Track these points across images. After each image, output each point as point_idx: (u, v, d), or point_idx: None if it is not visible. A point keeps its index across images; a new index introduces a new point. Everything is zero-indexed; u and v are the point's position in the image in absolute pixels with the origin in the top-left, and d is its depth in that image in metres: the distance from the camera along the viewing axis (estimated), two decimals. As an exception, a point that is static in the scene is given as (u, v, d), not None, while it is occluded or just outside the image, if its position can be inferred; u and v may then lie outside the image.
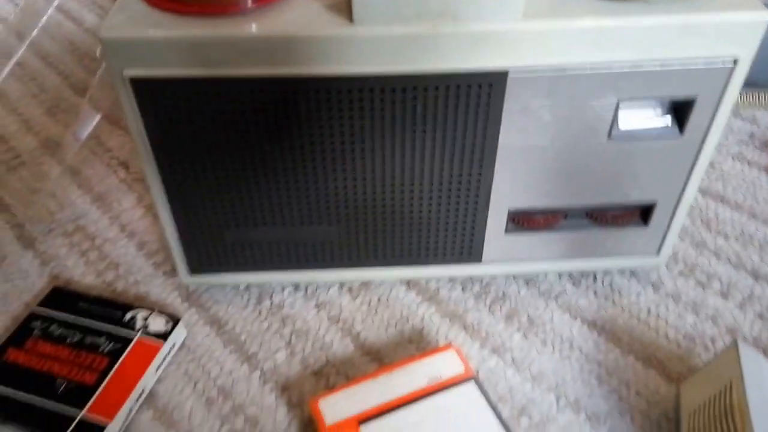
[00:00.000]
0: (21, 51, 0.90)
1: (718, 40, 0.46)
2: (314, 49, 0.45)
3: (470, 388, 0.51)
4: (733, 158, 0.74)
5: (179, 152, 0.50)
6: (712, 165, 0.73)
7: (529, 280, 0.62)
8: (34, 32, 0.90)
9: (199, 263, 0.57)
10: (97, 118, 0.77)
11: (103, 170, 0.74)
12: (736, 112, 0.79)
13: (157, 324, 0.57)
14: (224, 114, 0.48)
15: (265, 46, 0.45)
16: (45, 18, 0.88)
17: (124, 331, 0.56)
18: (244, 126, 0.48)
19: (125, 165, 0.75)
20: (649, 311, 0.59)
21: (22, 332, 0.56)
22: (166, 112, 0.48)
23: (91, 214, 0.69)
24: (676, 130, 0.51)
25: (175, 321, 0.57)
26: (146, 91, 0.46)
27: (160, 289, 0.62)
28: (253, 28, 0.44)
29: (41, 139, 0.78)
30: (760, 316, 0.59)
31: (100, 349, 0.55)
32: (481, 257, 0.58)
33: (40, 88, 0.85)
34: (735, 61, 0.47)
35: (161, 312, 0.58)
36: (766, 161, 0.74)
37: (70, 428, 0.50)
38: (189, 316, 0.60)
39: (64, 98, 0.83)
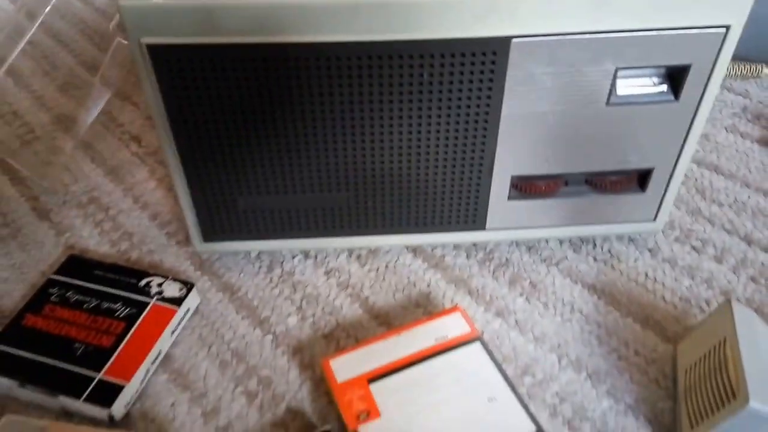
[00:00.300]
0: (33, 30, 0.88)
1: (710, 9, 0.45)
2: (324, 16, 0.44)
3: (476, 347, 0.50)
4: (726, 130, 0.73)
5: (194, 119, 0.49)
6: (706, 137, 0.73)
7: (531, 247, 0.62)
8: (45, 11, 0.89)
9: (212, 231, 0.57)
10: (109, 94, 0.76)
11: (115, 144, 0.73)
12: (728, 84, 0.78)
13: (172, 290, 0.56)
14: (237, 81, 0.47)
15: (276, 13, 0.44)
16: (55, -2, 0.86)
17: (139, 297, 0.56)
18: (256, 93, 0.48)
19: (137, 139, 0.74)
20: (646, 275, 0.59)
21: (39, 298, 0.56)
22: (182, 79, 0.47)
23: (104, 187, 0.68)
24: (672, 96, 0.50)
25: (189, 287, 0.56)
26: (162, 57, 0.46)
27: (173, 258, 0.61)
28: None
29: (54, 114, 0.76)
30: (753, 279, 0.58)
31: (117, 314, 0.54)
32: (485, 224, 0.58)
33: (51, 65, 0.84)
34: (727, 29, 0.46)
35: (175, 279, 0.57)
36: (758, 133, 0.73)
37: (89, 388, 0.49)
38: (202, 283, 0.59)
39: (76, 75, 0.82)
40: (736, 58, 0.77)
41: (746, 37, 0.74)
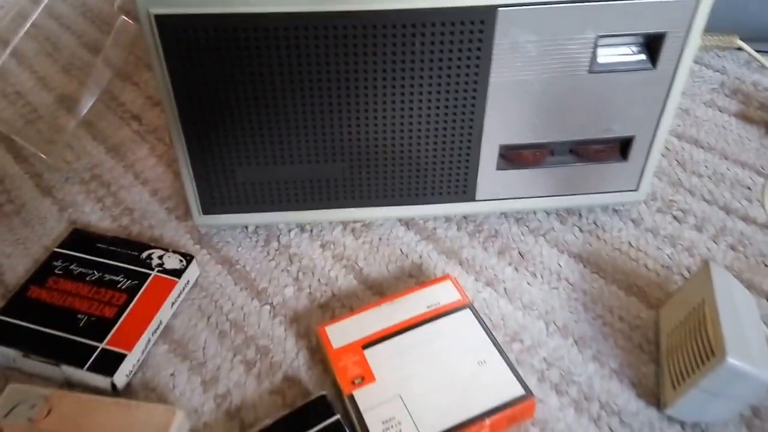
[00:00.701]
0: (36, 13, 0.86)
1: None
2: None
3: (466, 313, 0.49)
4: (705, 105, 0.72)
5: (197, 90, 0.47)
6: (686, 111, 0.71)
7: (519, 219, 0.60)
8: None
9: (211, 203, 0.55)
10: (111, 74, 0.74)
11: (116, 123, 0.71)
12: (706, 61, 0.76)
13: (172, 262, 0.54)
14: (239, 51, 0.45)
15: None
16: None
17: (141, 269, 0.54)
18: (256, 63, 0.46)
19: (138, 118, 0.72)
20: (630, 244, 0.57)
21: (43, 271, 0.54)
22: (188, 49, 0.45)
23: (106, 164, 0.66)
24: (650, 63, 0.49)
25: (188, 259, 0.55)
26: (169, 27, 0.44)
27: (173, 232, 0.59)
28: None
29: (57, 94, 0.74)
30: (732, 247, 0.57)
31: (119, 286, 0.53)
32: (475, 194, 0.56)
33: (54, 47, 0.81)
34: None
35: (176, 251, 0.55)
36: (735, 107, 0.71)
37: (92, 357, 0.48)
38: (201, 256, 0.57)
39: (78, 56, 0.79)
40: (710, 31, 0.75)
41: (721, 12, 0.73)
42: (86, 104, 0.72)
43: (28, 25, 0.81)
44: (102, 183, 0.64)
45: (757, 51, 0.77)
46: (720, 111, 0.71)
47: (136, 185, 0.64)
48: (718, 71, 0.76)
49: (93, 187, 0.64)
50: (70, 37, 0.83)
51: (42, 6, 0.85)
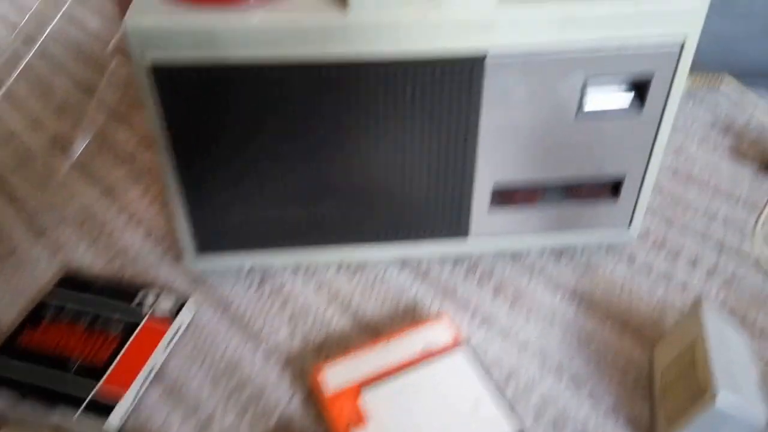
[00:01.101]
0: (30, 55, 0.88)
1: (667, 23, 0.47)
2: (313, 35, 0.45)
3: (462, 354, 0.50)
4: (698, 142, 0.74)
5: (193, 135, 0.49)
6: (679, 149, 0.73)
7: (514, 257, 0.62)
8: (42, 37, 0.89)
9: (205, 244, 0.56)
10: (104, 115, 0.76)
11: (110, 163, 0.73)
12: (699, 98, 0.79)
13: (166, 304, 0.56)
14: (233, 97, 0.47)
15: (270, 33, 0.45)
16: (52, 24, 0.87)
17: (134, 312, 0.55)
18: (250, 108, 0.48)
19: (131, 158, 0.74)
20: (624, 282, 0.59)
21: (35, 315, 0.55)
22: (183, 97, 0.47)
23: (99, 205, 0.68)
24: (637, 108, 0.52)
25: (182, 302, 0.56)
26: (164, 75, 0.46)
27: (167, 274, 0.61)
28: (259, 17, 0.44)
29: (50, 136, 0.76)
30: (725, 285, 0.59)
31: (111, 331, 0.54)
32: (468, 234, 0.58)
33: (47, 88, 0.84)
34: (683, 43, 0.48)
35: (169, 294, 0.57)
36: (728, 143, 0.74)
37: (84, 404, 0.49)
38: (195, 298, 0.59)
39: (72, 97, 0.82)
40: (701, 70, 0.78)
41: (708, 51, 0.75)
42: (80, 145, 0.74)
43: (21, 67, 0.84)
44: (95, 224, 0.66)
45: (747, 85, 0.80)
46: (713, 148, 0.74)
47: (130, 226, 0.66)
48: (711, 108, 0.79)
49: (86, 228, 0.66)
50: (63, 78, 0.85)
51: (36, 47, 0.87)
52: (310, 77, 0.46)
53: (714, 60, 0.77)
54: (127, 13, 0.45)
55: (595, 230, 0.59)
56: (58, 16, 0.72)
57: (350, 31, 0.44)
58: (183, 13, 0.45)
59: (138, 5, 0.46)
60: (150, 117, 0.48)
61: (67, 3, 0.70)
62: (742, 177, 0.70)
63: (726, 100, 0.80)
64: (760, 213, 0.62)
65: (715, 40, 0.76)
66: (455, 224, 0.57)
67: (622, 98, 0.51)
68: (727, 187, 0.69)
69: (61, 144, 0.75)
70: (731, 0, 0.77)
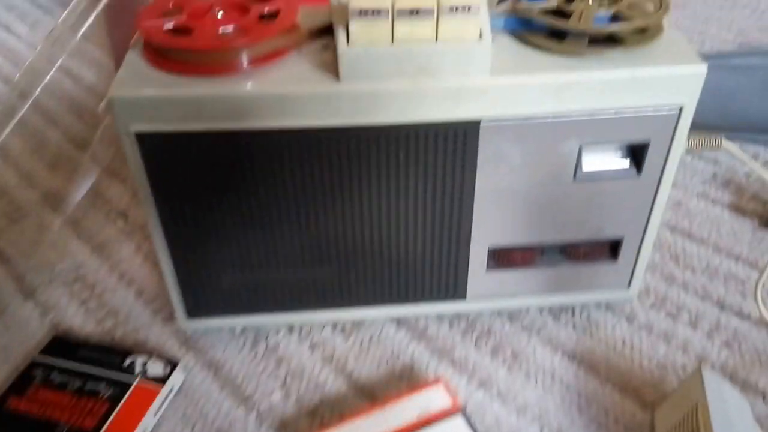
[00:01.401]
0: (24, 109, 0.90)
1: (664, 91, 0.48)
2: (304, 104, 0.46)
3: (459, 421, 0.51)
4: (697, 197, 0.75)
5: (180, 202, 0.50)
6: (678, 204, 0.75)
7: (512, 316, 0.62)
8: (37, 91, 0.91)
9: (196, 307, 0.57)
10: (97, 171, 0.77)
11: (102, 220, 0.74)
12: (693, 153, 0.80)
13: (156, 368, 0.56)
14: (223, 165, 0.48)
15: (260, 102, 0.46)
16: (47, 77, 0.88)
17: (123, 376, 0.56)
18: (241, 175, 0.49)
19: (124, 215, 0.75)
20: (624, 342, 0.60)
21: (23, 380, 0.55)
22: (169, 164, 0.48)
23: (90, 264, 0.69)
24: (634, 171, 0.52)
25: (173, 365, 0.56)
26: (150, 144, 0.47)
27: (158, 335, 0.61)
28: (249, 86, 0.45)
29: (42, 192, 0.77)
30: (726, 344, 0.59)
31: (101, 395, 0.54)
32: (466, 294, 0.59)
33: (41, 143, 0.85)
34: (680, 108, 0.49)
35: (159, 357, 0.57)
36: (727, 199, 0.75)
37: (73, 473, 0.49)
38: (186, 360, 0.59)
39: (65, 153, 0.83)
40: (700, 127, 0.80)
41: (706, 104, 0.77)
42: (72, 202, 0.75)
43: (14, 122, 0.85)
44: (86, 285, 0.67)
45: (746, 140, 0.82)
46: (712, 203, 0.75)
47: (121, 286, 0.66)
48: (709, 162, 0.80)
49: (77, 289, 0.66)
50: (57, 132, 0.87)
51: (30, 101, 0.89)
52: (300, 143, 0.47)
53: (712, 114, 0.78)
54: (113, 83, 0.46)
55: (594, 290, 0.60)
56: (53, 69, 0.73)
57: (342, 100, 0.45)
58: (171, 82, 0.45)
59: (124, 73, 0.46)
60: (138, 185, 0.49)
61: (63, 56, 0.71)
62: (743, 233, 0.71)
63: (725, 154, 0.81)
64: (762, 272, 0.63)
65: (713, 93, 0.77)
66: (452, 286, 0.58)
67: (620, 161, 0.52)
68: (728, 243, 0.69)
69: (53, 200, 0.76)
70: (728, 53, 0.79)
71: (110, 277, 0.67)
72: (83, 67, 1.00)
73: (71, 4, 0.69)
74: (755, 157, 0.80)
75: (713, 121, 0.79)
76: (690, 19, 1.10)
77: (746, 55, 0.78)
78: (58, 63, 0.82)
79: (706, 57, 0.79)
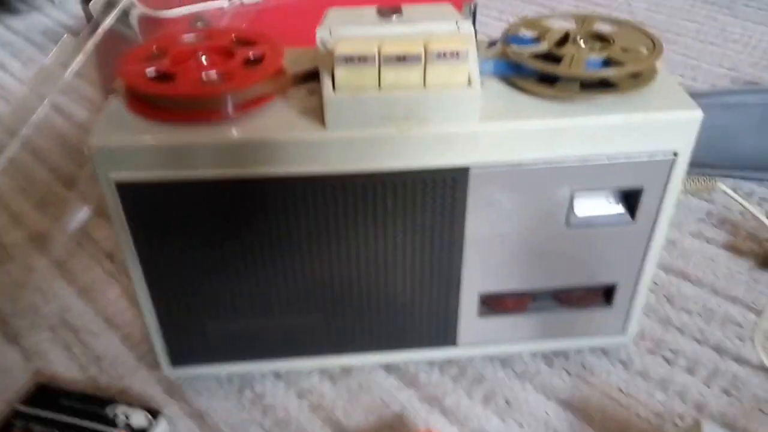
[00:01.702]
0: (13, 147, 0.89)
1: (658, 137, 0.47)
2: (291, 151, 0.45)
3: (449, 476, 0.49)
4: (692, 236, 0.74)
5: (162, 250, 0.49)
6: (673, 243, 0.73)
7: (504, 361, 0.61)
8: (25, 128, 0.90)
9: (180, 355, 0.56)
10: (85, 210, 0.76)
11: (89, 262, 0.73)
12: (688, 194, 0.79)
13: (139, 418, 0.54)
14: (206, 213, 0.47)
15: (245, 150, 0.45)
16: (36, 114, 0.88)
17: (106, 428, 0.54)
18: (225, 223, 0.48)
19: (111, 256, 0.73)
20: (620, 389, 0.58)
21: (4, 429, 0.54)
22: (151, 212, 0.47)
23: (76, 307, 0.67)
24: (628, 216, 0.51)
25: (155, 415, 0.55)
26: (131, 193, 0.46)
27: (142, 382, 0.60)
28: (233, 133, 0.44)
29: (29, 232, 0.76)
30: (725, 391, 0.58)
31: (82, 446, 0.53)
32: (457, 340, 0.57)
33: (29, 182, 0.84)
34: (675, 154, 0.48)
35: (143, 406, 0.56)
36: (723, 238, 0.74)
37: None
38: (171, 408, 0.58)
39: (53, 192, 0.82)
40: (694, 165, 0.79)
41: (703, 145, 0.76)
42: (59, 243, 0.74)
43: (2, 159, 0.84)
44: (71, 329, 0.65)
45: (742, 179, 0.81)
46: (707, 242, 0.74)
47: (106, 331, 0.65)
48: (704, 200, 0.79)
49: (61, 333, 0.65)
50: (45, 171, 0.86)
51: (19, 138, 0.88)
52: (286, 190, 0.46)
53: (706, 152, 0.78)
54: (92, 128, 0.45)
55: (588, 336, 0.58)
56: (43, 106, 0.73)
57: (329, 148, 0.45)
58: (152, 129, 0.44)
59: (104, 120, 0.45)
60: (118, 234, 0.48)
61: (53, 92, 0.70)
62: (739, 273, 0.69)
63: (719, 192, 0.80)
64: (761, 316, 0.61)
65: (707, 131, 0.77)
66: (442, 333, 0.56)
67: (613, 206, 0.51)
68: (724, 284, 0.68)
69: (39, 242, 0.75)
70: (723, 90, 0.79)
71: (95, 321, 0.66)
72: (74, 104, 0.99)
73: (61, 41, 0.69)
74: (750, 194, 0.80)
75: (707, 159, 0.78)
76: (681, 54, 1.10)
77: (741, 93, 0.78)
78: (47, 100, 0.81)
79: (700, 94, 0.79)
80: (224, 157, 0.45)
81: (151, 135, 0.44)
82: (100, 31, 0.76)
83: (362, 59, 0.43)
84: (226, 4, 0.77)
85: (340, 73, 0.43)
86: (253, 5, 0.81)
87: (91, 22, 0.77)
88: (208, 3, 0.77)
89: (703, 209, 0.78)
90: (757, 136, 0.76)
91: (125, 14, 0.78)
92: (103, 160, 0.44)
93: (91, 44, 0.73)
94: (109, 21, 0.76)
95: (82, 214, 0.76)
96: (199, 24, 0.78)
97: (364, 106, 0.44)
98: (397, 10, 0.48)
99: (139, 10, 0.77)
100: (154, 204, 0.46)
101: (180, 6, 0.77)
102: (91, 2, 0.79)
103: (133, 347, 0.63)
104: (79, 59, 0.72)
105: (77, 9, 1.32)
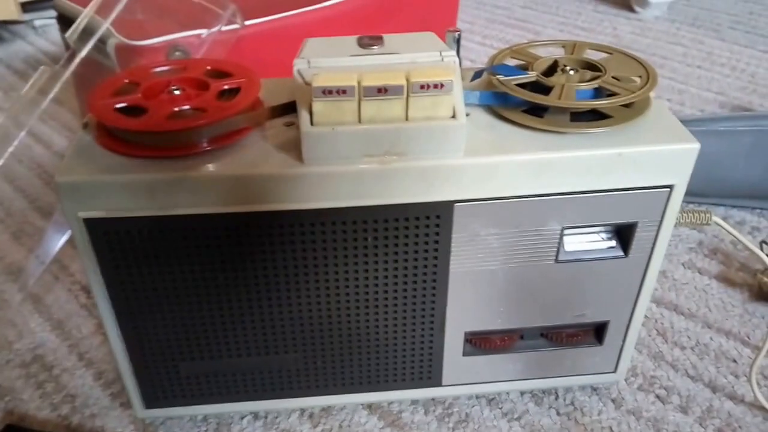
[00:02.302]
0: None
1: (653, 170, 0.45)
2: (266, 187, 0.43)
3: None
4: (683, 266, 0.73)
5: (134, 288, 0.47)
6: (664, 274, 0.72)
7: (491, 400, 0.59)
8: (4, 158, 0.88)
9: (154, 397, 0.53)
10: (62, 241, 0.74)
11: (64, 295, 0.70)
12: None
13: (110, 463, 0.52)
14: (179, 249, 0.45)
15: (219, 186, 0.43)
16: (15, 143, 0.86)
17: (74, 473, 0.51)
18: (198, 260, 0.46)
19: (86, 289, 0.71)
20: (611, 429, 0.56)
21: (-33, 477, 0.51)
22: (121, 250, 0.45)
23: (49, 343, 0.65)
24: (621, 251, 0.49)
25: (128, 459, 0.52)
26: (101, 230, 0.44)
27: (116, 422, 0.57)
28: (207, 169, 0.42)
29: (5, 264, 0.74)
30: (720, 431, 0.55)
31: (49, 493, 0.50)
32: (441, 380, 0.55)
33: (6, 212, 0.82)
34: (670, 188, 0.46)
35: (115, 449, 0.53)
36: (715, 269, 0.72)
37: None
38: (145, 450, 0.55)
39: (30, 222, 0.80)
40: (689, 194, 0.77)
41: (693, 173, 0.75)
42: (34, 275, 0.72)
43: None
44: (44, 366, 0.63)
45: (733, 207, 0.79)
46: (699, 273, 0.72)
47: (80, 367, 0.62)
48: (695, 229, 0.77)
49: (34, 370, 0.62)
50: (23, 200, 0.84)
51: (-2, 167, 0.86)
52: (262, 227, 0.44)
53: (696, 180, 0.76)
54: (60, 164, 0.43)
55: (578, 374, 0.56)
56: (22, 134, 0.71)
57: (306, 183, 0.43)
58: (123, 165, 0.42)
59: (73, 156, 0.43)
60: (86, 268, 0.46)
61: (31, 121, 0.68)
62: (733, 306, 0.68)
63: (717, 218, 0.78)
64: (756, 353, 0.59)
65: (698, 159, 0.75)
66: (426, 372, 0.54)
67: (605, 241, 0.49)
68: (717, 317, 0.66)
69: (14, 275, 0.73)
70: (713, 117, 0.77)
71: (69, 357, 0.63)
72: (54, 133, 0.97)
73: (39, 69, 0.67)
74: (741, 223, 0.78)
75: (697, 187, 0.77)
76: (668, 78, 1.09)
77: (731, 120, 0.76)
78: (26, 128, 0.79)
79: (688, 121, 0.77)
80: (197, 194, 0.42)
81: (120, 171, 0.42)
82: (77, 60, 0.74)
83: (341, 91, 0.41)
84: (204, 32, 0.76)
85: (318, 106, 0.41)
86: (233, 33, 0.80)
87: (69, 51, 0.75)
88: (186, 32, 0.75)
89: (695, 239, 0.76)
90: (748, 163, 0.75)
91: (103, 43, 0.76)
92: (70, 196, 0.42)
93: (67, 74, 0.71)
94: (85, 50, 0.74)
95: (58, 245, 0.74)
96: (177, 53, 0.76)
97: (344, 141, 0.42)
98: (378, 40, 0.46)
99: (115, 39, 0.75)
100: (124, 242, 0.44)
101: (157, 35, 0.75)
102: (68, 32, 0.77)
103: (108, 385, 0.60)
104: (56, 88, 0.70)
105: (59, 36, 1.30)
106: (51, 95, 0.68)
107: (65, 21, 0.83)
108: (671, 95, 1.04)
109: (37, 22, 1.36)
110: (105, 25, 0.75)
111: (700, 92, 1.05)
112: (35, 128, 0.97)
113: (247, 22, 0.79)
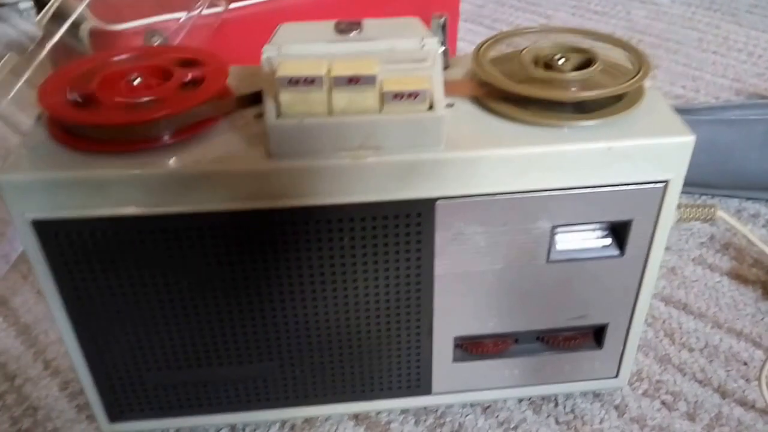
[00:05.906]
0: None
1: (646, 165, 0.44)
2: (230, 184, 0.41)
3: None
4: (693, 262, 0.71)
5: (90, 295, 0.45)
6: (673, 270, 0.70)
7: (486, 408, 0.57)
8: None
9: (119, 410, 0.52)
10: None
11: (31, 298, 0.69)
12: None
13: (74, 481, 0.51)
14: (137, 252, 0.44)
15: (179, 183, 0.41)
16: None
17: (35, 491, 0.50)
18: (159, 264, 0.44)
19: (56, 292, 0.69)
20: (613, 439, 0.54)
21: None
22: (74, 254, 0.43)
23: (13, 350, 0.64)
24: (616, 250, 0.48)
25: (93, 476, 0.51)
26: (51, 234, 0.42)
27: (82, 436, 0.56)
28: (166, 165, 0.41)
29: (-32, 265, 0.73)
30: (732, 440, 0.54)
31: None
32: (431, 388, 0.54)
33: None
34: (666, 183, 0.45)
35: (79, 466, 0.52)
36: (727, 265, 0.70)
37: None
38: (113, 466, 0.54)
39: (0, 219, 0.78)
40: (695, 185, 0.76)
41: (704, 164, 0.73)
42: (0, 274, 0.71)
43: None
44: (6, 374, 0.61)
45: (747, 199, 0.78)
46: (710, 269, 0.70)
47: (45, 377, 0.61)
48: (706, 223, 0.76)
49: (-5, 379, 0.61)
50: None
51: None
52: (227, 227, 0.43)
53: (707, 171, 0.74)
54: (4, 163, 0.41)
55: (577, 380, 0.55)
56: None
57: (273, 180, 0.41)
58: (75, 161, 0.41)
59: (21, 151, 0.42)
60: (36, 274, 0.44)
61: (4, 103, 0.67)
62: (745, 304, 0.66)
63: (724, 212, 0.77)
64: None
65: (709, 149, 0.74)
66: (414, 380, 0.53)
67: (599, 239, 0.48)
68: (728, 317, 0.65)
69: (-22, 275, 0.71)
70: (725, 105, 0.75)
71: (34, 366, 0.62)
72: (24, 115, 0.96)
73: (5, 58, 0.66)
74: (756, 216, 0.76)
75: (708, 179, 0.75)
76: (683, 65, 1.07)
77: (743, 108, 0.74)
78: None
79: (699, 110, 0.75)
80: (155, 191, 0.41)
81: (71, 168, 0.40)
82: (48, 47, 0.72)
83: (309, 81, 0.39)
84: (182, 16, 0.74)
85: (285, 96, 0.40)
86: (215, 16, 0.78)
87: (42, 36, 0.74)
88: (164, 15, 0.74)
89: (706, 233, 0.74)
90: (761, 153, 0.73)
91: (76, 27, 0.75)
92: (16, 196, 0.40)
93: (38, 60, 0.70)
94: (57, 36, 0.73)
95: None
96: (155, 39, 0.74)
97: (313, 134, 0.40)
98: (356, 26, 0.44)
99: (90, 23, 0.74)
100: (78, 245, 0.43)
101: (133, 19, 0.74)
102: (39, 15, 0.76)
103: (73, 396, 0.59)
104: (27, 74, 0.69)
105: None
106: (21, 81, 0.67)
107: (42, 4, 0.81)
108: (685, 82, 1.02)
109: (22, 5, 1.35)
110: (81, 8, 0.74)
111: (715, 79, 1.03)
112: (5, 110, 0.96)
113: (231, 6, 0.78)
